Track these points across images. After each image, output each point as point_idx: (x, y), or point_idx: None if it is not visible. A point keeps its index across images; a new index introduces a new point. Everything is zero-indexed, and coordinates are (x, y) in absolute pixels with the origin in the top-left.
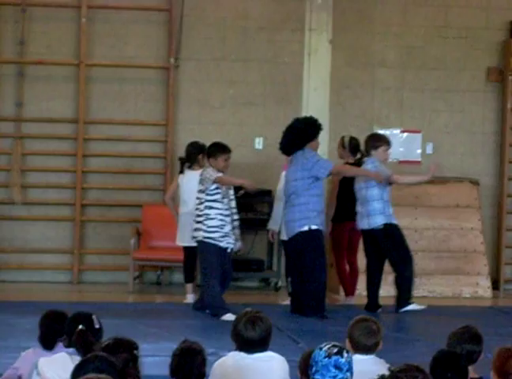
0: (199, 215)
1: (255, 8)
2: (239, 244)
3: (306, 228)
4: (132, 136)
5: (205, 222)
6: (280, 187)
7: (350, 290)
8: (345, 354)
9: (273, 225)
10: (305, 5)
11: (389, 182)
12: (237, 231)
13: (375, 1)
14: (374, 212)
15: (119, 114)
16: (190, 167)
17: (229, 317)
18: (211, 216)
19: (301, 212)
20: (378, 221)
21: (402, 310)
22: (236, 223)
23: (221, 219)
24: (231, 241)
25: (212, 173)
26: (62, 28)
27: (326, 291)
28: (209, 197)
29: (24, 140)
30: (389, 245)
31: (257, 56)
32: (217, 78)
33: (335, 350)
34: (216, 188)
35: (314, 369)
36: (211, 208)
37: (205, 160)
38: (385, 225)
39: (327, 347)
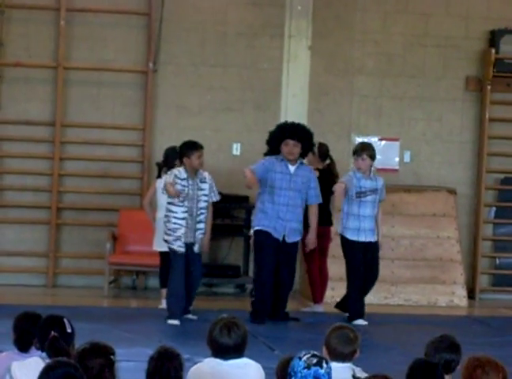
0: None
1: (235, 13)
2: (196, 247)
3: (253, 230)
4: (109, 140)
5: (166, 224)
6: None
7: (319, 298)
8: (324, 365)
9: None
10: (285, 11)
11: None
12: (198, 234)
13: (355, 8)
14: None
15: (97, 117)
16: (167, 172)
17: (172, 322)
18: (169, 218)
19: (256, 215)
20: (338, 230)
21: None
22: (200, 226)
23: (175, 223)
24: (181, 244)
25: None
26: (40, 30)
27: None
28: (168, 200)
29: (0, 143)
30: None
31: (236, 62)
32: (196, 83)
33: (314, 360)
34: None
35: None
36: (169, 210)
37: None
38: (340, 235)
39: (306, 357)
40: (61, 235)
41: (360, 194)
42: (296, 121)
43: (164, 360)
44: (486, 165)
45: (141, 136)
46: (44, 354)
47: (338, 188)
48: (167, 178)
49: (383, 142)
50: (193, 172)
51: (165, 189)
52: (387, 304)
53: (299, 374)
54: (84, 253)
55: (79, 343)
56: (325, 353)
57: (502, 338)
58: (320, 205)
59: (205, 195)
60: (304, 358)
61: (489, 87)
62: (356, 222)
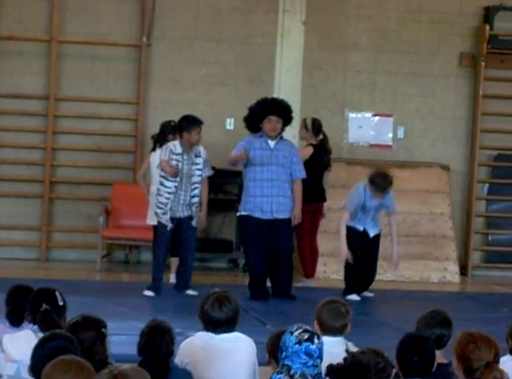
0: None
1: None
2: (194, 221)
3: (238, 214)
4: (103, 114)
5: (157, 197)
6: None
7: (310, 273)
8: (316, 341)
9: None
10: None
11: None
12: (194, 209)
13: None
14: None
15: (90, 91)
16: (161, 146)
17: (148, 293)
18: (160, 192)
19: (243, 197)
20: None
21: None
22: (194, 200)
23: (167, 198)
24: (169, 219)
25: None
26: (34, 3)
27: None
28: (161, 173)
29: None
30: None
31: (230, 36)
32: (190, 58)
33: (306, 336)
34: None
35: (284, 354)
36: (161, 184)
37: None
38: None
39: (298, 332)
40: (54, 209)
41: (364, 209)
42: (290, 96)
43: (156, 334)
44: (479, 141)
45: (135, 111)
46: (36, 327)
47: (343, 219)
48: (162, 154)
49: (377, 118)
50: (189, 147)
51: (161, 166)
52: (380, 280)
53: (290, 349)
54: (77, 227)
55: (71, 316)
56: (316, 327)
57: (494, 314)
58: (313, 181)
59: (199, 169)
60: (296, 333)
61: (483, 63)
62: (357, 224)
